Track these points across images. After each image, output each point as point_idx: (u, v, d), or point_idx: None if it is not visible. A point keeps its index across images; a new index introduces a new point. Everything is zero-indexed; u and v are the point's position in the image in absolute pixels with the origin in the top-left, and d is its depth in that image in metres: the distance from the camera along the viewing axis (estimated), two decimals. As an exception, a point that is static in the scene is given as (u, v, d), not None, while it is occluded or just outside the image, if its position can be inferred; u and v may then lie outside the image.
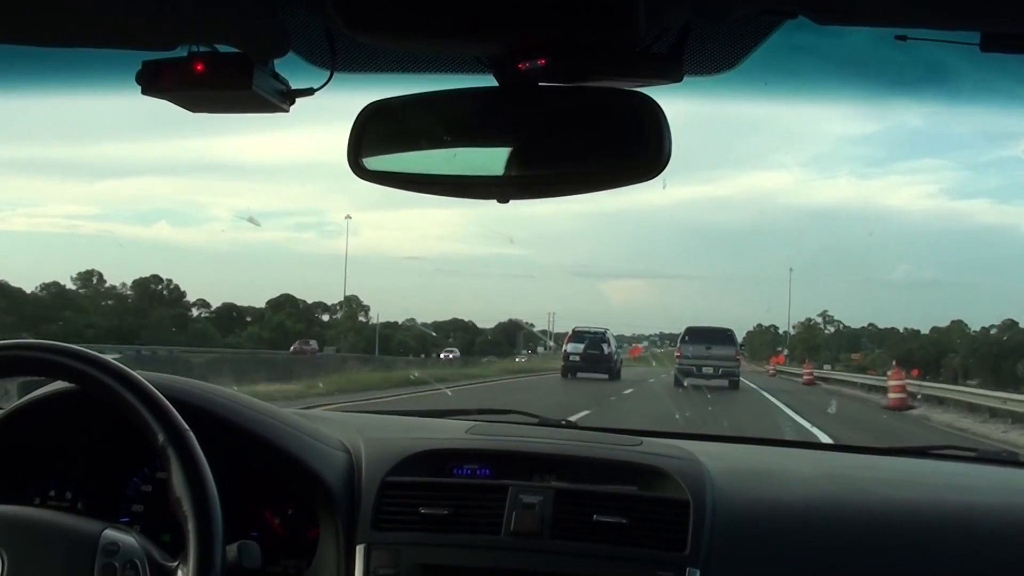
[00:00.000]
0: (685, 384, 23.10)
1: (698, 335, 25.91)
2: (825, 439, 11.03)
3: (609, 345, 26.52)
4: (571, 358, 25.79)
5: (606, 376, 25.03)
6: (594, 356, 25.59)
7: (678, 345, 26.46)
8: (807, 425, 14.21)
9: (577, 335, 26.66)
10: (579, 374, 25.09)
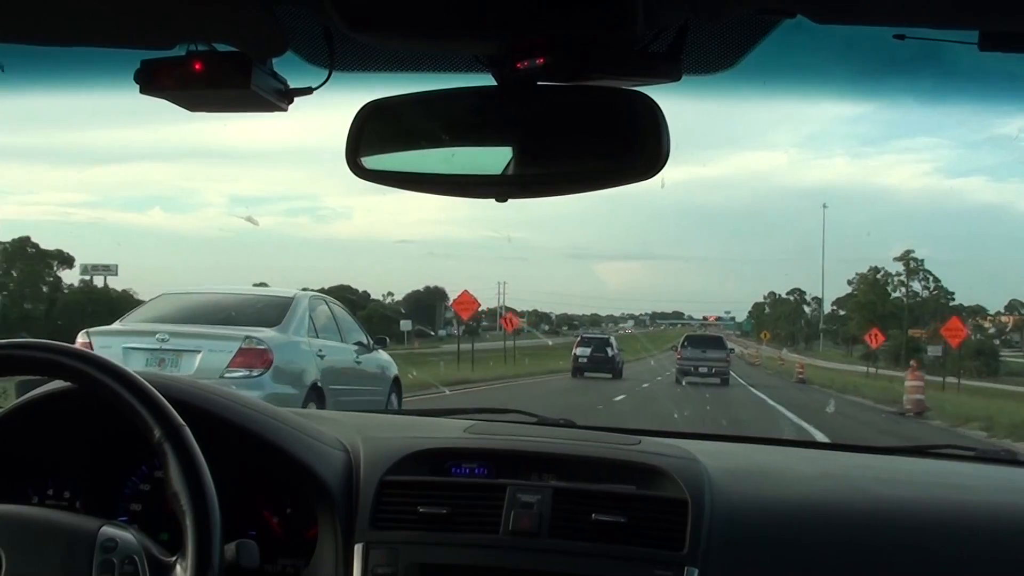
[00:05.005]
0: (684, 382, 26.06)
1: (695, 341, 30.50)
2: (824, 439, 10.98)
3: (612, 348, 30.18)
4: (580, 360, 29.12)
5: (610, 375, 27.95)
6: (600, 358, 29.13)
7: (678, 349, 30.54)
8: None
9: (585, 340, 30.79)
10: (586, 374, 28.08)
